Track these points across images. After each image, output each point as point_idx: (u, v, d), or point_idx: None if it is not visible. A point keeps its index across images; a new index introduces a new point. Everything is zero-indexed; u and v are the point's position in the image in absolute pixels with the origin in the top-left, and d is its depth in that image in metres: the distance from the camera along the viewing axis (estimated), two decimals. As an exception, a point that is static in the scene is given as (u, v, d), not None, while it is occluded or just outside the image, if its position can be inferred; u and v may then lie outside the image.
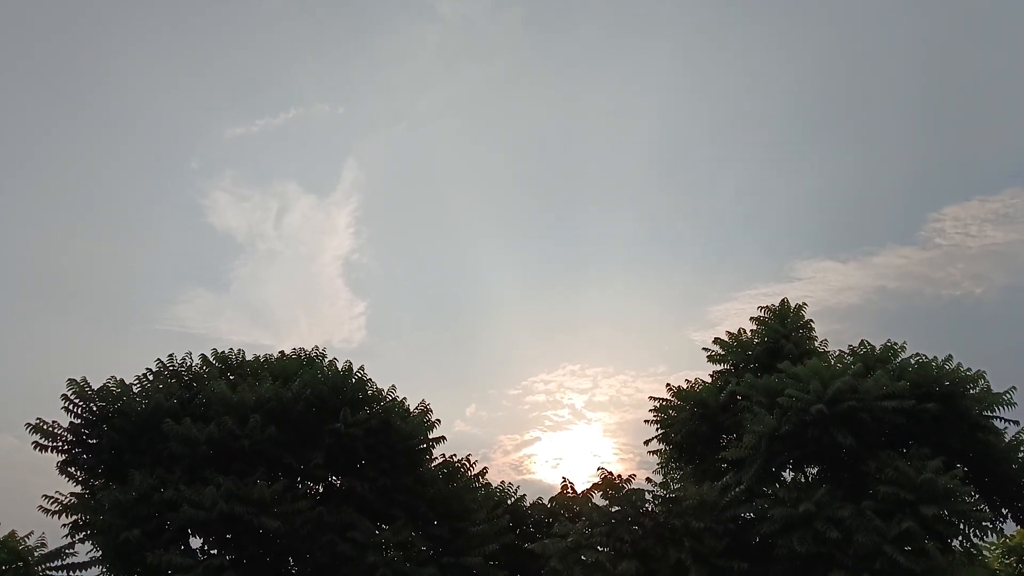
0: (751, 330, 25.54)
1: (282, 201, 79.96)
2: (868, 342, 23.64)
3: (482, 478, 23.58)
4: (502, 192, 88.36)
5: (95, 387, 20.30)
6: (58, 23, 73.72)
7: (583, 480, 30.90)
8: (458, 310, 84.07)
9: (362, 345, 72.12)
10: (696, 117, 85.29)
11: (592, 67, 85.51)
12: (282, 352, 23.82)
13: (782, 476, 22.74)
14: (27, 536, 19.15)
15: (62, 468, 20.22)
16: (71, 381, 20.06)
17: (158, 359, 22.09)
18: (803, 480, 22.39)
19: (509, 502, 25.34)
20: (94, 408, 20.20)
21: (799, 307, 25.35)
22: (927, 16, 76.78)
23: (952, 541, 19.71)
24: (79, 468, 20.40)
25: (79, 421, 20.15)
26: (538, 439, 62.23)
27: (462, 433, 62.23)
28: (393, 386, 22.53)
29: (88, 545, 19.44)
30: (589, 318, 77.75)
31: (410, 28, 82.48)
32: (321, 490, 22.14)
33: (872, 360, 22.47)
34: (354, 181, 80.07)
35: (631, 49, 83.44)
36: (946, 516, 18.89)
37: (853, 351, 23.74)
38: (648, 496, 20.66)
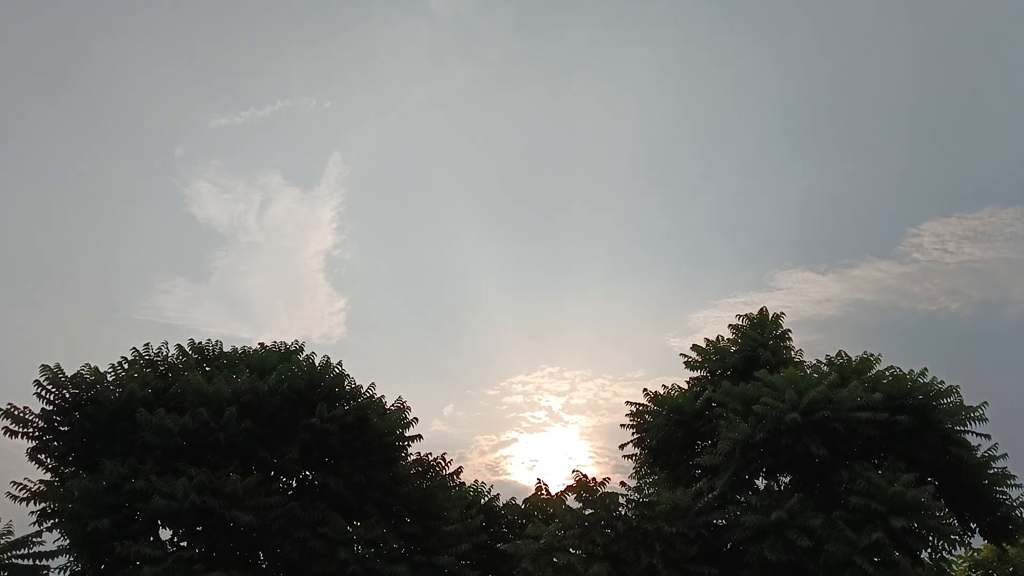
0: (728, 338, 25.73)
1: (265, 193, 79.55)
2: (845, 353, 23.86)
3: (457, 477, 23.53)
4: (487, 191, 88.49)
5: (68, 374, 20.09)
6: (44, 8, 72.89)
7: (558, 482, 31.00)
8: (439, 309, 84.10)
9: (341, 341, 71.93)
10: (682, 123, 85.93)
11: (581, 68, 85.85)
12: (261, 344, 23.72)
13: (755, 484, 22.90)
14: (-7, 523, 18.88)
15: (32, 455, 19.95)
16: (44, 367, 19.80)
17: (133, 348, 21.90)
18: (776, 488, 22.55)
19: (483, 502, 25.31)
20: (67, 395, 19.95)
21: (777, 316, 25.56)
22: (914, 29, 77.70)
23: (921, 553, 19.91)
24: (49, 455, 20.14)
25: (51, 408, 19.89)
26: (515, 440, 62.46)
27: (440, 432, 62.26)
28: (372, 383, 22.49)
29: (56, 534, 19.17)
30: (569, 320, 78.03)
31: (400, 23, 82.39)
32: (295, 485, 22.03)
33: (848, 371, 22.66)
34: (339, 176, 79.80)
35: (620, 52, 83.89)
36: (916, 528, 19.09)
37: (830, 361, 23.95)
38: (622, 500, 20.73)
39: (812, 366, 24.20)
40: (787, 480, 22.78)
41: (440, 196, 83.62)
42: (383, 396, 22.52)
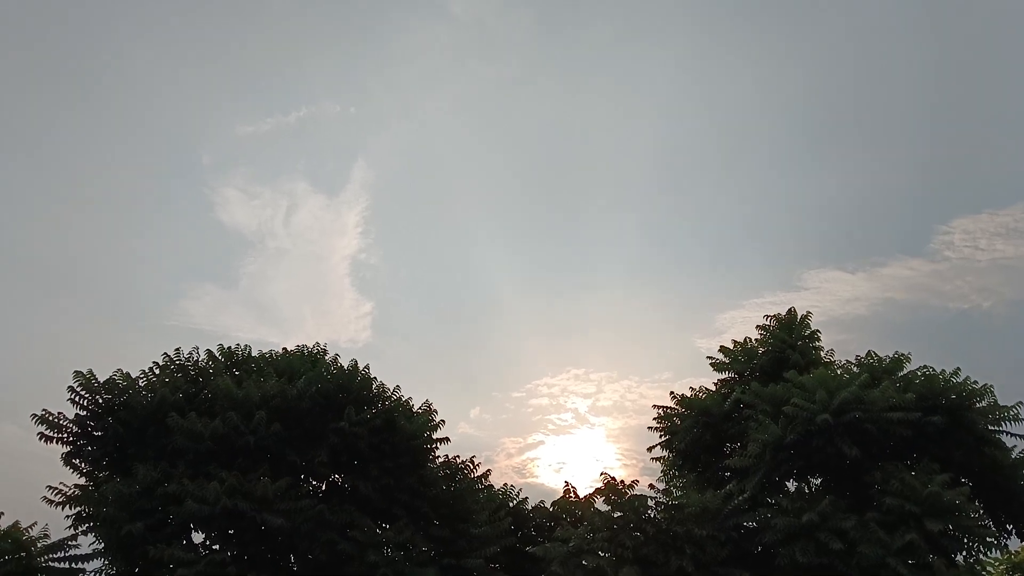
0: (756, 339, 25.53)
1: (291, 199, 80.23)
2: (875, 353, 23.59)
3: (485, 480, 23.55)
4: (510, 193, 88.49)
5: (101, 380, 20.38)
6: (72, 14, 74.04)
7: (586, 485, 30.90)
8: (464, 312, 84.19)
9: (367, 345, 72.26)
10: (705, 122, 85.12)
11: (601, 69, 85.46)
12: (285, 349, 23.90)
13: (785, 486, 22.67)
14: (30, 527, 19.17)
15: (66, 459, 20.30)
16: (77, 373, 20.14)
17: (164, 353, 22.19)
18: (807, 490, 22.32)
19: (511, 505, 25.31)
20: (100, 400, 20.28)
21: (805, 316, 25.32)
22: (940, 24, 76.52)
23: (956, 556, 19.61)
24: (83, 460, 20.48)
25: (84, 413, 20.22)
26: (541, 443, 62.27)
27: (466, 435, 62.27)
28: (398, 386, 22.58)
29: (91, 537, 19.48)
30: (594, 322, 77.72)
31: (421, 27, 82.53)
32: (324, 488, 22.16)
33: (879, 371, 22.39)
34: (363, 181, 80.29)
35: (640, 52, 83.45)
36: (951, 531, 18.79)
37: (860, 361, 23.68)
38: (651, 503, 20.60)
39: (842, 366, 23.93)
40: (818, 482, 22.53)
41: (463, 199, 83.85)
42: (410, 399, 22.67)
